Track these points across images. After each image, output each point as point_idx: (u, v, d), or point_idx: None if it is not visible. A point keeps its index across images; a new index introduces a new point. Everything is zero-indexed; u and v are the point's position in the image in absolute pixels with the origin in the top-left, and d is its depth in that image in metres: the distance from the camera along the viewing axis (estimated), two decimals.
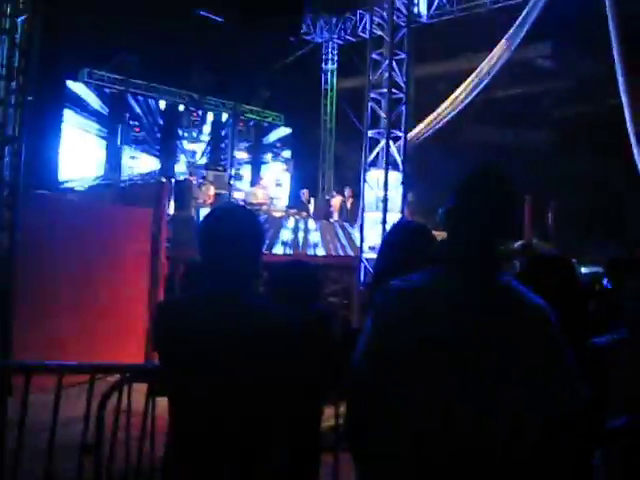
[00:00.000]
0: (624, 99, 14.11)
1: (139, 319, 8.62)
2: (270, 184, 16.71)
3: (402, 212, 8.83)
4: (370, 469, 1.99)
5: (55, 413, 3.51)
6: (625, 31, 13.68)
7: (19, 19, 5.91)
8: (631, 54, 13.95)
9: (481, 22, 15.53)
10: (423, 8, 16.00)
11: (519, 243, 11.42)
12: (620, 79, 13.82)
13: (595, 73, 16.83)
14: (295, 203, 16.08)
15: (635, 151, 14.51)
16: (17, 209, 6.00)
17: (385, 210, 8.40)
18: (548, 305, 1.97)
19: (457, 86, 13.85)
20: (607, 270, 7.78)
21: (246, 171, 18.00)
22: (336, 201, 14.23)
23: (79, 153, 15.36)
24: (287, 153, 19.14)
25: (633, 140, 14.43)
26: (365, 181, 8.79)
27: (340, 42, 18.34)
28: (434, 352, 1.89)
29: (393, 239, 2.67)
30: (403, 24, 9.46)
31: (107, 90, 15.92)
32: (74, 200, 11.15)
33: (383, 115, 8.67)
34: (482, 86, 12.62)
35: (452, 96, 12.67)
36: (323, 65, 18.78)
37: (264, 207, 13.72)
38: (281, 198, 17.39)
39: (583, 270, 11.81)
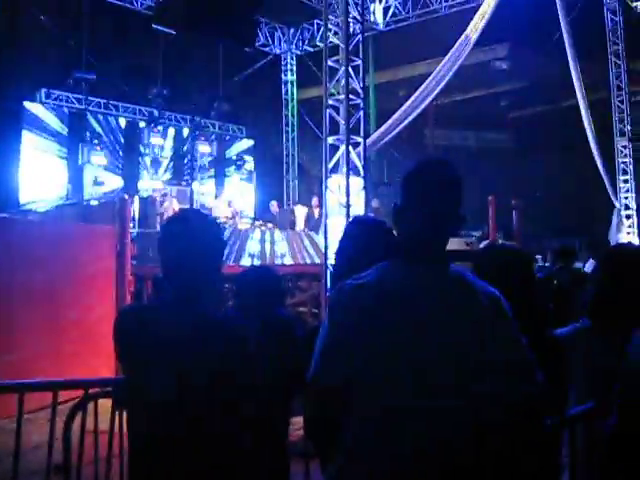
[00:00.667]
0: (580, 100, 14.36)
1: (106, 338, 8.48)
2: (234, 197, 16.67)
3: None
4: (336, 468, 1.98)
5: (17, 436, 3.42)
6: (577, 33, 13.94)
7: None
8: (584, 56, 14.24)
9: (438, 27, 15.73)
10: (379, 16, 16.16)
11: (484, 243, 11.55)
12: (575, 81, 14.07)
13: (550, 74, 17.11)
14: (262, 215, 16.08)
15: (593, 148, 14.76)
16: None
17: (348, 216, 8.43)
18: (501, 294, 1.99)
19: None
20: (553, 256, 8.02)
21: (210, 185, 17.94)
22: (301, 211, 14.25)
23: (39, 174, 15.19)
24: (250, 165, 19.11)
25: (591, 140, 14.69)
26: (327, 187, 8.81)
27: (298, 52, 18.44)
28: (389, 346, 1.89)
29: (350, 234, 2.67)
30: (359, 31, 9.51)
31: (66, 110, 15.77)
32: (34, 221, 10.99)
33: (342, 121, 8.70)
34: (439, 89, 12.72)
35: (410, 100, 12.76)
36: (283, 76, 18.83)
37: (230, 221, 13.70)
38: (246, 210, 17.39)
39: (545, 265, 12.00)
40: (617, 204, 15.53)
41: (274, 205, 15.33)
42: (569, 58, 13.93)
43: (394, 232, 2.63)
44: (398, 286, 1.95)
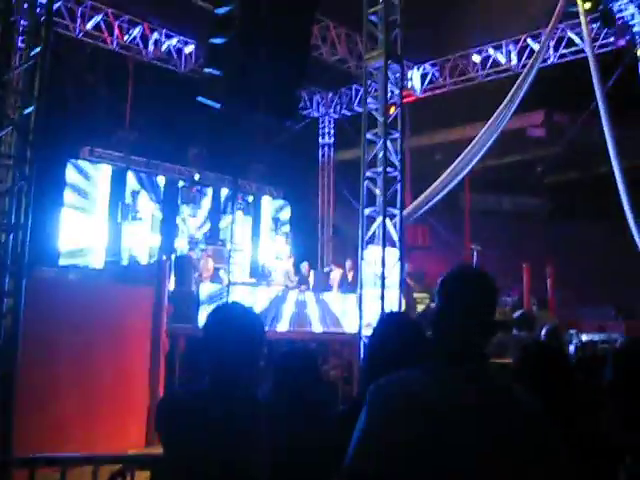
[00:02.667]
0: (615, 163, 14.34)
1: (140, 399, 8.60)
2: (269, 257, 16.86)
3: (400, 289, 8.92)
4: None
5: None
6: (614, 100, 14.03)
7: (26, 111, 6.12)
8: (619, 123, 14.27)
9: (475, 92, 16.00)
10: (417, 82, 16.49)
11: (519, 312, 11.44)
12: (610, 146, 14.07)
13: (586, 140, 17.17)
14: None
15: (628, 215, 14.66)
16: (20, 295, 6.07)
17: (383, 287, 8.50)
18: (542, 406, 2.03)
19: (453, 156, 14.11)
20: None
21: (245, 245, 18.12)
22: (335, 274, 14.31)
23: (79, 231, 15.49)
24: (285, 227, 19.32)
25: (626, 206, 14.61)
26: (362, 258, 8.91)
27: (336, 116, 18.80)
28: (428, 450, 1.94)
29: (382, 332, 2.76)
30: (397, 98, 9.70)
31: (108, 168, 16.17)
32: (75, 280, 11.22)
33: (379, 193, 8.85)
34: (478, 158, 12.84)
35: (448, 170, 12.88)
36: (320, 139, 19.17)
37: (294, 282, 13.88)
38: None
39: (583, 338, 11.84)
40: None
41: (305, 267, 15.38)
42: (604, 125, 13.98)
43: (425, 332, 2.72)
44: (433, 389, 2.01)
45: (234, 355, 2.45)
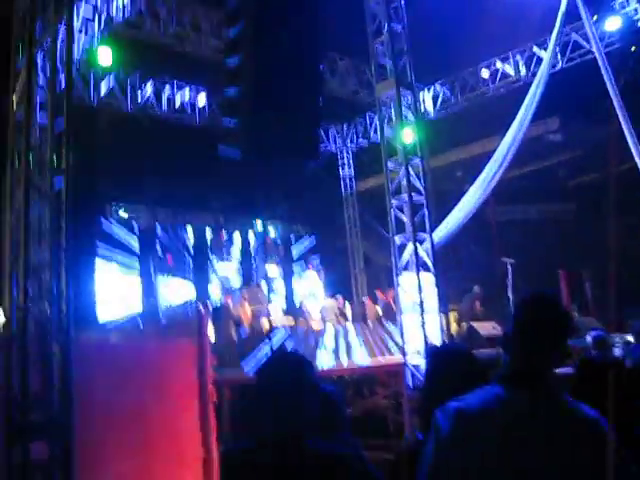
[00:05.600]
0: (637, 159, 14.20)
1: (192, 454, 8.59)
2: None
3: (440, 313, 8.92)
4: None
5: None
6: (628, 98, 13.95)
7: (56, 188, 6.26)
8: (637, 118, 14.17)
9: (489, 106, 16.05)
10: (429, 104, 16.56)
11: None
12: (630, 142, 13.94)
13: (604, 139, 17.05)
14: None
15: None
16: (69, 365, 6.16)
17: (422, 311, 8.50)
18: (606, 423, 2.05)
19: (473, 171, 14.10)
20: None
21: (279, 285, 18.19)
22: (371, 306, 14.33)
23: (114, 289, 15.67)
24: (315, 262, 19.34)
25: None
26: (399, 285, 8.92)
27: (354, 147, 18.90)
28: (489, 471, 1.97)
29: (434, 369, 2.80)
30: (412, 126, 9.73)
31: (135, 224, 16.39)
32: (118, 343, 11.30)
33: (406, 220, 8.88)
34: (502, 171, 12.82)
35: (472, 188, 12.85)
36: (340, 171, 19.24)
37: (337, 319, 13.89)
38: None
39: (629, 339, 11.64)
40: None
41: (340, 299, 15.38)
42: (621, 121, 13.87)
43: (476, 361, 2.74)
44: (500, 411, 2.05)
45: (288, 404, 2.47)
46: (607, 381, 2.73)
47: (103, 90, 14.19)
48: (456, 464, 2.00)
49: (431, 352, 3.06)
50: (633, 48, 14.49)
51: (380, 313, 13.94)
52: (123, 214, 16.38)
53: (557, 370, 2.22)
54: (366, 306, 14.43)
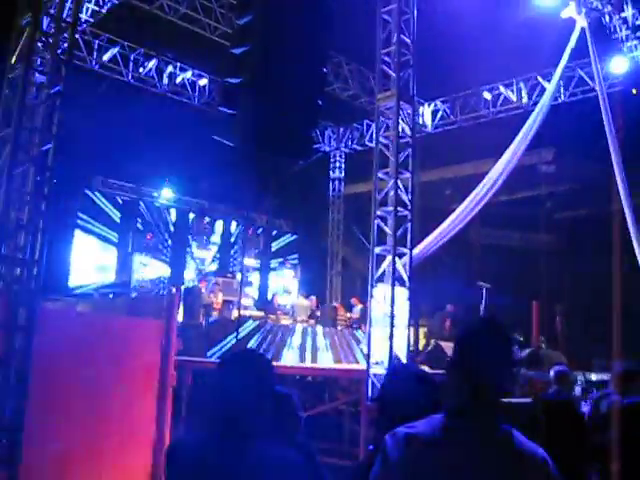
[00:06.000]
0: (625, 202, 14.27)
1: (146, 433, 8.57)
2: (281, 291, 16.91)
3: (410, 327, 8.97)
4: None
5: None
6: (623, 139, 14.04)
7: (44, 148, 6.21)
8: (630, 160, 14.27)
9: (485, 129, 16.12)
10: (428, 119, 16.61)
11: (526, 352, 11.36)
12: (620, 183, 14.02)
13: (596, 177, 17.18)
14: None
15: (637, 252, 14.56)
16: (32, 330, 6.12)
17: (392, 325, 8.52)
18: (546, 454, 2.07)
19: (463, 191, 14.13)
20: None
21: (254, 277, 18.18)
22: (342, 312, 14.40)
23: (90, 259, 15.61)
24: (294, 260, 19.35)
25: (636, 244, 14.53)
26: (372, 296, 8.93)
27: (347, 151, 18.92)
28: None
29: (394, 386, 2.81)
30: (409, 139, 9.73)
31: (119, 199, 16.32)
32: (85, 313, 11.25)
33: (389, 232, 8.89)
34: (490, 196, 12.88)
35: (459, 208, 12.89)
36: (331, 173, 19.26)
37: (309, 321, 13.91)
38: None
39: (593, 377, 11.77)
40: None
41: (313, 300, 15.38)
42: (613, 163, 13.96)
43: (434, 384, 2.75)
44: (446, 441, 2.05)
45: (240, 404, 2.47)
46: (558, 419, 2.77)
47: (106, 57, 14.14)
48: None
49: (390, 370, 3.06)
50: (634, 91, 14.59)
51: (354, 317, 13.98)
52: (108, 188, 16.28)
53: (515, 400, 2.22)
54: (337, 311, 14.45)
